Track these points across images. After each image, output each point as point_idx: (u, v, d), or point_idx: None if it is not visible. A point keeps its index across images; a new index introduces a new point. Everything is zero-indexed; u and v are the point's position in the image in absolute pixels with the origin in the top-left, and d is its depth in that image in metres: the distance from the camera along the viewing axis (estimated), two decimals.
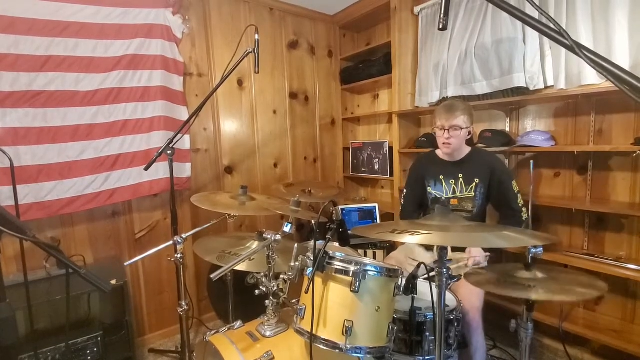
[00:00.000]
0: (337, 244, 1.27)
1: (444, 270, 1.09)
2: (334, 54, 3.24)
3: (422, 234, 1.03)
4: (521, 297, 1.13)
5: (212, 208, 1.60)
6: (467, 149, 1.87)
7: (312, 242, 1.14)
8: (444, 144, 1.80)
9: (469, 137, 1.82)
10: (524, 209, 1.78)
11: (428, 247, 1.91)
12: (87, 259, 2.07)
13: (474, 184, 1.81)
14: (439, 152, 1.93)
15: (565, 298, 1.21)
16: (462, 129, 1.75)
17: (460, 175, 1.84)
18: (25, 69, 1.78)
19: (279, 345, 1.23)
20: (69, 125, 1.92)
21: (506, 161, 2.33)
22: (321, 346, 1.09)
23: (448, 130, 1.76)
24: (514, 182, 1.79)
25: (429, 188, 1.93)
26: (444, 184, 1.88)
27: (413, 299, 1.35)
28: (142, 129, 2.15)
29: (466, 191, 1.82)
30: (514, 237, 1.08)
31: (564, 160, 2.09)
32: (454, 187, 1.85)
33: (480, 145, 2.26)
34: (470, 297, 1.55)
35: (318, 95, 3.15)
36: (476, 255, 1.70)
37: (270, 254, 1.33)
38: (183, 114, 2.33)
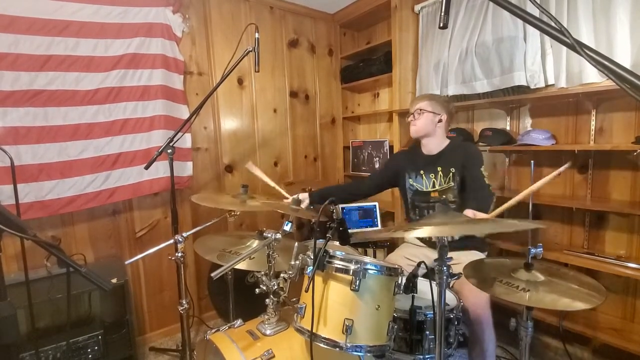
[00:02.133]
0: (337, 243, 1.28)
1: (444, 268, 1.09)
2: (334, 52, 3.23)
3: (418, 228, 1.03)
4: (514, 301, 1.14)
5: (214, 205, 1.60)
6: (445, 142, 1.88)
7: (312, 241, 1.14)
8: (409, 125, 1.89)
9: (439, 124, 1.82)
10: (490, 186, 1.71)
11: (429, 245, 1.92)
12: (87, 258, 2.08)
13: (451, 174, 1.81)
14: (422, 147, 1.94)
15: (559, 307, 1.21)
16: (425, 111, 1.81)
17: (439, 168, 1.84)
18: (25, 68, 1.78)
19: (279, 344, 1.23)
20: (69, 124, 1.92)
21: (506, 160, 2.34)
22: (321, 345, 1.09)
23: (413, 114, 1.85)
24: (482, 168, 1.73)
25: (410, 180, 1.94)
26: (424, 177, 1.89)
27: (413, 297, 1.35)
28: (143, 127, 2.15)
29: (445, 182, 1.83)
30: (509, 222, 1.08)
31: (565, 159, 2.09)
32: (434, 181, 1.86)
33: (480, 143, 2.27)
34: (477, 294, 1.54)
35: (318, 94, 3.15)
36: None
37: (270, 253, 1.33)
38: (183, 112, 2.33)
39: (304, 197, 1.83)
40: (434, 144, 1.87)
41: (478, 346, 1.54)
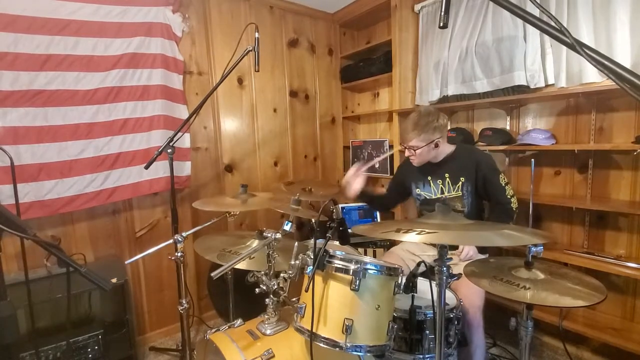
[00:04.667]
0: (337, 243, 1.27)
1: (444, 268, 1.09)
2: (334, 52, 3.23)
3: (425, 232, 1.03)
4: (514, 298, 1.13)
5: (215, 208, 1.60)
6: (450, 148, 1.85)
7: (312, 241, 1.14)
8: (409, 158, 1.86)
9: (437, 147, 1.78)
10: (512, 199, 1.76)
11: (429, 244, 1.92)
12: (87, 258, 2.08)
13: (460, 182, 1.80)
14: None
15: (560, 304, 1.21)
16: (419, 147, 1.76)
17: (447, 175, 1.83)
18: (25, 68, 1.78)
19: (279, 344, 1.23)
20: (69, 124, 1.92)
21: (506, 159, 2.34)
22: (321, 344, 1.09)
23: (407, 149, 1.82)
24: (500, 176, 1.76)
25: (417, 190, 1.93)
26: (432, 184, 1.88)
27: (413, 297, 1.35)
28: (142, 127, 2.15)
29: (454, 190, 1.82)
30: (514, 235, 1.08)
31: (565, 159, 2.09)
32: (441, 187, 1.85)
33: (480, 143, 2.27)
34: (471, 296, 1.55)
35: (318, 94, 3.14)
36: (468, 250, 1.72)
37: (270, 253, 1.33)
38: (183, 112, 2.33)
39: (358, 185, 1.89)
40: (438, 157, 1.85)
41: (466, 348, 1.54)
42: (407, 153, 1.84)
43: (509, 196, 1.76)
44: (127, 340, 1.90)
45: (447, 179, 1.83)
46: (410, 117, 1.82)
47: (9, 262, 1.83)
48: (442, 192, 1.85)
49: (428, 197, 1.90)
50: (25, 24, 1.77)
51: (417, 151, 1.78)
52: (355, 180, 1.87)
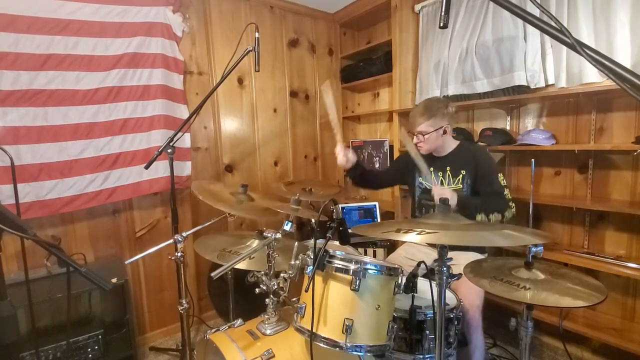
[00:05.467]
0: (337, 243, 1.27)
1: (444, 268, 1.09)
2: (334, 52, 3.23)
3: (425, 232, 1.02)
4: (514, 299, 1.14)
5: (213, 203, 1.59)
6: (454, 143, 1.88)
7: (312, 241, 1.14)
8: (417, 145, 1.86)
9: (445, 135, 1.80)
10: (510, 203, 1.73)
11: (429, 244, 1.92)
12: (87, 258, 2.08)
13: (461, 175, 1.82)
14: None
15: (560, 305, 1.21)
16: (428, 133, 1.78)
17: (448, 168, 1.85)
18: (25, 68, 1.78)
19: (279, 344, 1.23)
20: (69, 123, 1.92)
21: (506, 159, 2.34)
22: (321, 344, 1.09)
23: (416, 135, 1.83)
24: (499, 175, 1.76)
25: (420, 178, 1.96)
26: (432, 175, 1.90)
27: (413, 297, 1.35)
28: (142, 127, 2.15)
29: (454, 183, 1.84)
30: (514, 235, 1.08)
31: (565, 159, 2.09)
32: (442, 180, 1.87)
33: (480, 143, 2.26)
34: (470, 296, 1.55)
35: (318, 94, 3.14)
36: (442, 193, 1.65)
37: (270, 253, 1.33)
38: (183, 112, 2.33)
39: (353, 158, 1.93)
40: (443, 148, 1.88)
41: (465, 348, 1.54)
42: (415, 140, 1.85)
43: (507, 197, 1.75)
44: (127, 340, 1.90)
45: (448, 171, 1.85)
46: (420, 104, 1.87)
47: (9, 262, 1.83)
48: (442, 184, 1.86)
49: (428, 188, 1.91)
50: (25, 24, 1.77)
51: (426, 136, 1.79)
52: (348, 151, 1.93)
